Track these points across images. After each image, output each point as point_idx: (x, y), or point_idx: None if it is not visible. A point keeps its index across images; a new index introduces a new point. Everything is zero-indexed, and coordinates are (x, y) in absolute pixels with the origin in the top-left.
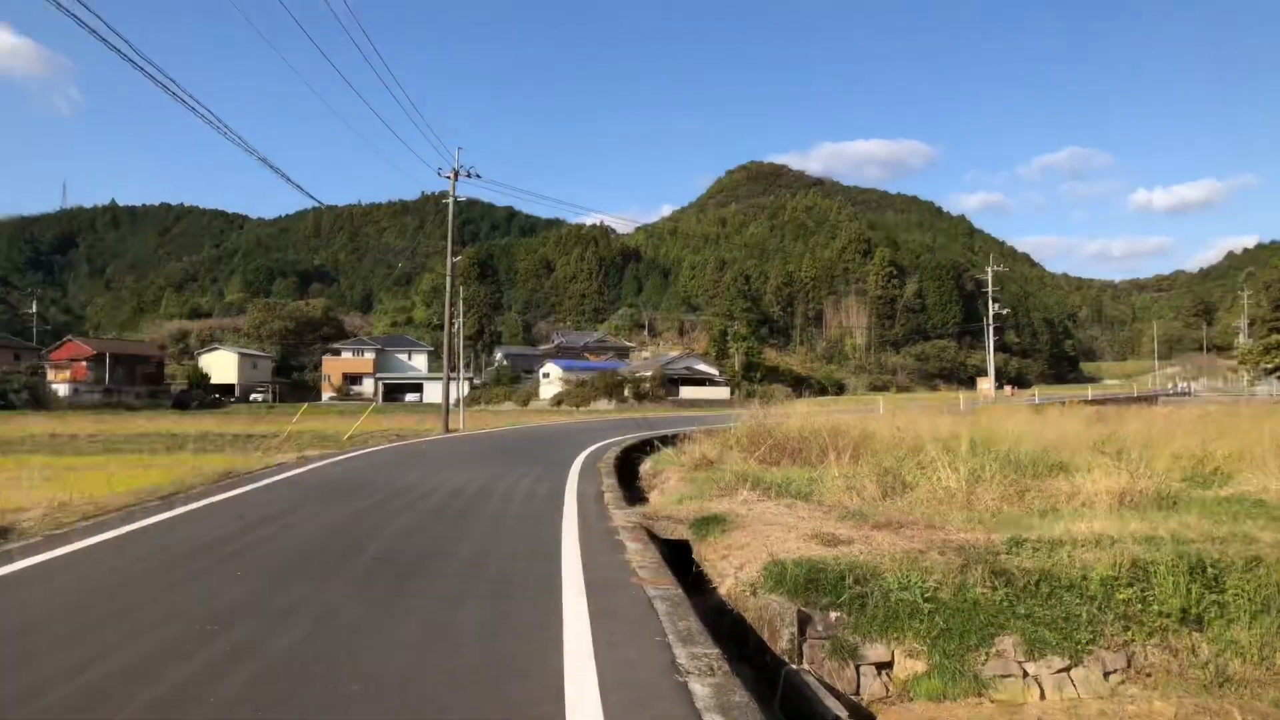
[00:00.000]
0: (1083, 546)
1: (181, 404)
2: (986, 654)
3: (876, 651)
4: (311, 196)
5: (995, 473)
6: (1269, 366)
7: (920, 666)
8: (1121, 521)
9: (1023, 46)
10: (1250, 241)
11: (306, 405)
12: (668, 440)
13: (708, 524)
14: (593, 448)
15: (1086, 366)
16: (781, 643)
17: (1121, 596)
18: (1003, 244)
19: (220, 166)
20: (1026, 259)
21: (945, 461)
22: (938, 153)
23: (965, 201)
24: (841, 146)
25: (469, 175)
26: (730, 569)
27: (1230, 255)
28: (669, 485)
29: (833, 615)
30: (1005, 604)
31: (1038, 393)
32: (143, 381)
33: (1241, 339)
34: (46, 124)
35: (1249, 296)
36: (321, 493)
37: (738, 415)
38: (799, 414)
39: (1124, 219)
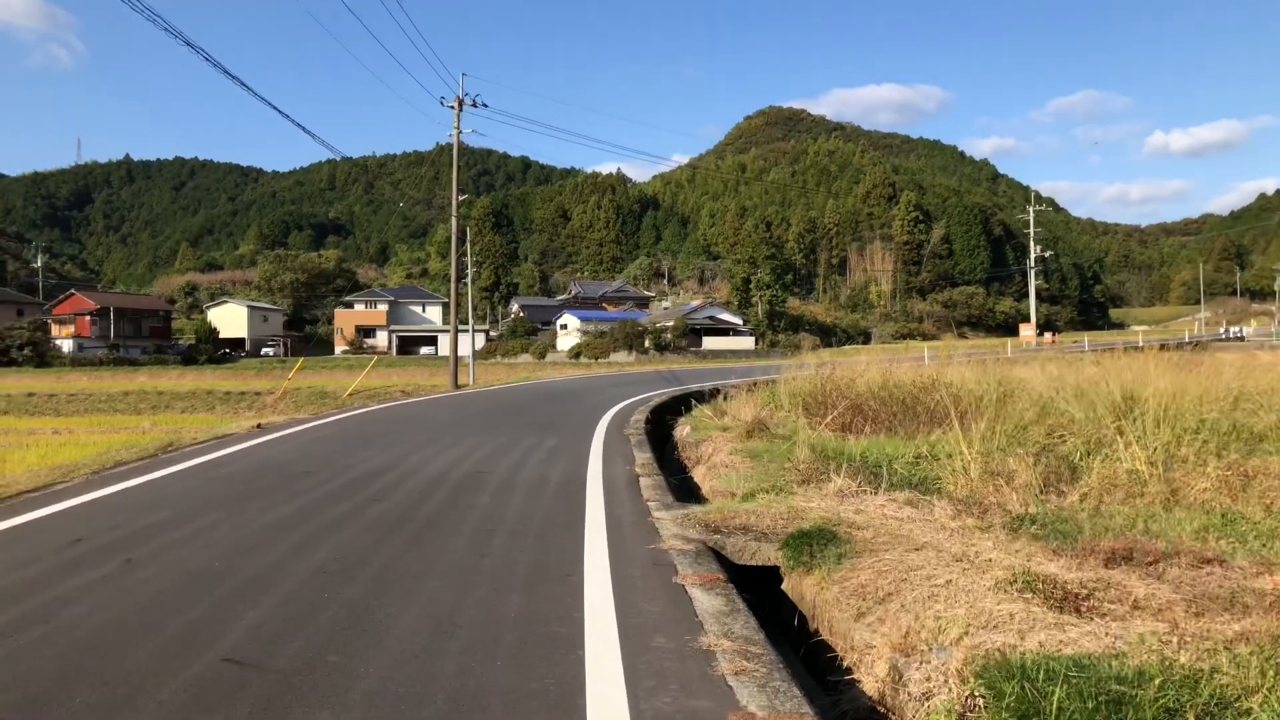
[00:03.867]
0: None
1: (189, 359)
2: None
3: None
4: (328, 145)
5: (1198, 449)
6: None
7: None
8: None
9: None
10: (1271, 184)
11: (302, 360)
12: (701, 397)
13: (808, 542)
14: (616, 408)
15: (1115, 313)
16: None
17: None
18: (1027, 188)
19: (234, 121)
20: (1051, 203)
21: (1131, 433)
22: (951, 96)
23: (979, 146)
24: (852, 93)
25: (475, 104)
26: (881, 649)
27: (1262, 197)
28: (719, 460)
29: None
30: None
31: (1087, 339)
32: (150, 336)
33: None
34: (57, 79)
35: None
36: (246, 487)
37: (776, 367)
38: (864, 365)
39: (1141, 163)
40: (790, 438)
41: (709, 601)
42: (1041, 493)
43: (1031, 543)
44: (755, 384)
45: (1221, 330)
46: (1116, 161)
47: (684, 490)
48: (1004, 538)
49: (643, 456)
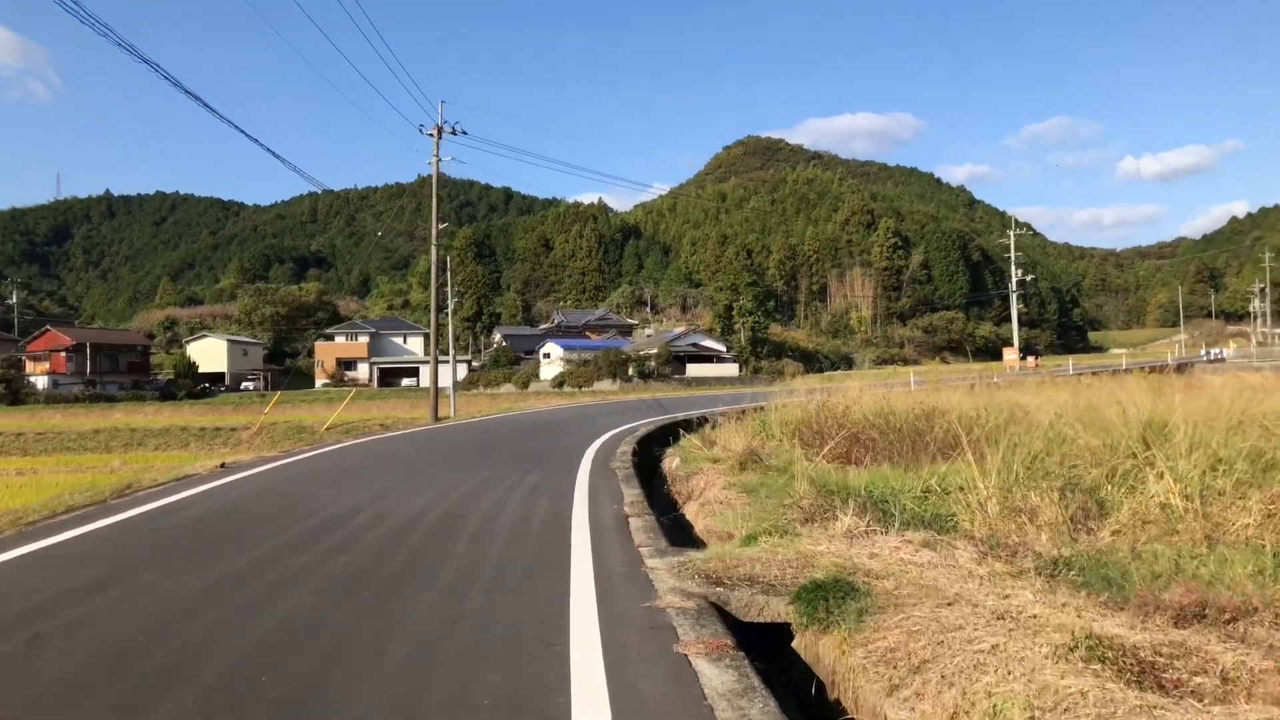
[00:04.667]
0: None
1: (167, 394)
2: None
3: None
4: (309, 178)
5: (1235, 480)
6: None
7: None
8: None
9: (1007, 14)
10: (1240, 208)
11: (279, 394)
12: (688, 426)
13: (823, 596)
14: (601, 439)
15: (1094, 336)
16: None
17: None
18: (1003, 214)
19: (215, 155)
20: (1028, 228)
21: (1162, 462)
22: (925, 124)
23: (954, 173)
24: (828, 122)
25: (454, 132)
26: None
27: (1233, 220)
28: (713, 496)
29: None
30: None
31: (1071, 363)
32: (127, 372)
33: (1256, 304)
34: (34, 115)
35: (1255, 263)
36: (196, 536)
37: (761, 394)
38: (856, 391)
39: (1113, 188)
40: (786, 469)
41: (718, 678)
42: (1069, 531)
43: (1076, 593)
44: (743, 412)
45: (1202, 352)
46: (1089, 186)
47: (676, 530)
48: (1041, 586)
49: (631, 493)
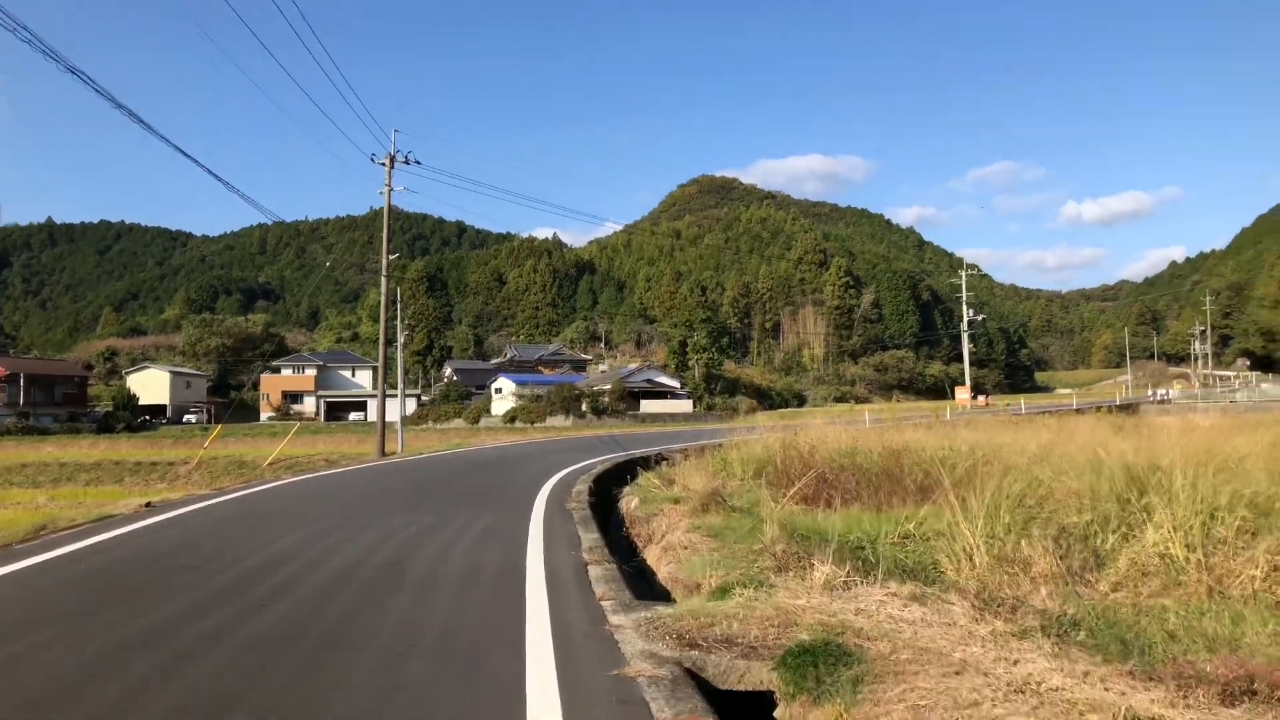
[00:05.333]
0: None
1: (105, 427)
2: None
3: None
4: (260, 207)
5: (1235, 529)
6: None
7: None
8: None
9: (954, 62)
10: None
11: (220, 428)
12: (646, 464)
13: (812, 661)
14: (556, 477)
15: (1040, 376)
16: None
17: None
18: (951, 255)
19: (163, 184)
20: (976, 269)
21: (1161, 509)
22: (875, 166)
23: (902, 215)
24: (779, 163)
25: (407, 161)
26: None
27: (1173, 264)
28: (676, 540)
29: None
30: None
31: (1023, 402)
32: (63, 403)
33: (1197, 346)
34: None
35: (1194, 305)
36: (106, 588)
37: (718, 430)
38: (819, 429)
39: (1056, 231)
40: (750, 510)
41: None
42: (1066, 583)
43: (1091, 657)
44: (702, 449)
45: (1149, 393)
46: (1033, 229)
47: (639, 579)
48: (1051, 649)
49: (589, 538)
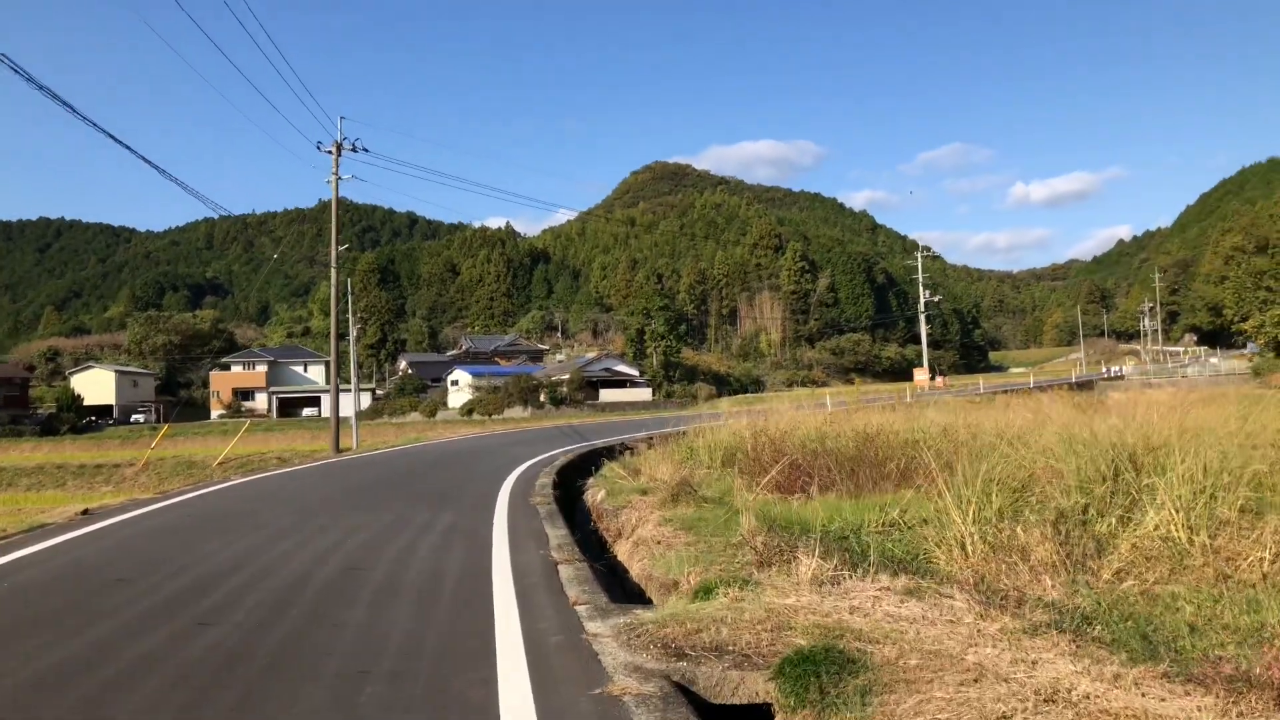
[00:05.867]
0: None
1: (49, 429)
2: None
3: None
4: (206, 201)
5: (1240, 508)
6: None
7: None
8: None
9: (902, 45)
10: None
11: (168, 427)
12: (610, 454)
13: (814, 670)
14: (518, 470)
15: (994, 355)
16: None
17: None
18: (905, 238)
19: (105, 179)
20: (929, 250)
21: (1163, 489)
22: (825, 151)
23: (854, 199)
24: (731, 149)
25: (354, 149)
26: None
27: (1120, 243)
28: (648, 534)
29: None
30: None
31: (981, 382)
32: (4, 406)
33: (1146, 323)
34: None
35: (1143, 283)
36: (26, 609)
37: (678, 418)
38: (789, 414)
39: (1005, 213)
40: (723, 500)
41: None
42: (1068, 571)
43: (1115, 655)
44: (666, 437)
45: (1103, 370)
46: (982, 211)
47: (612, 579)
48: (1068, 647)
49: (557, 534)
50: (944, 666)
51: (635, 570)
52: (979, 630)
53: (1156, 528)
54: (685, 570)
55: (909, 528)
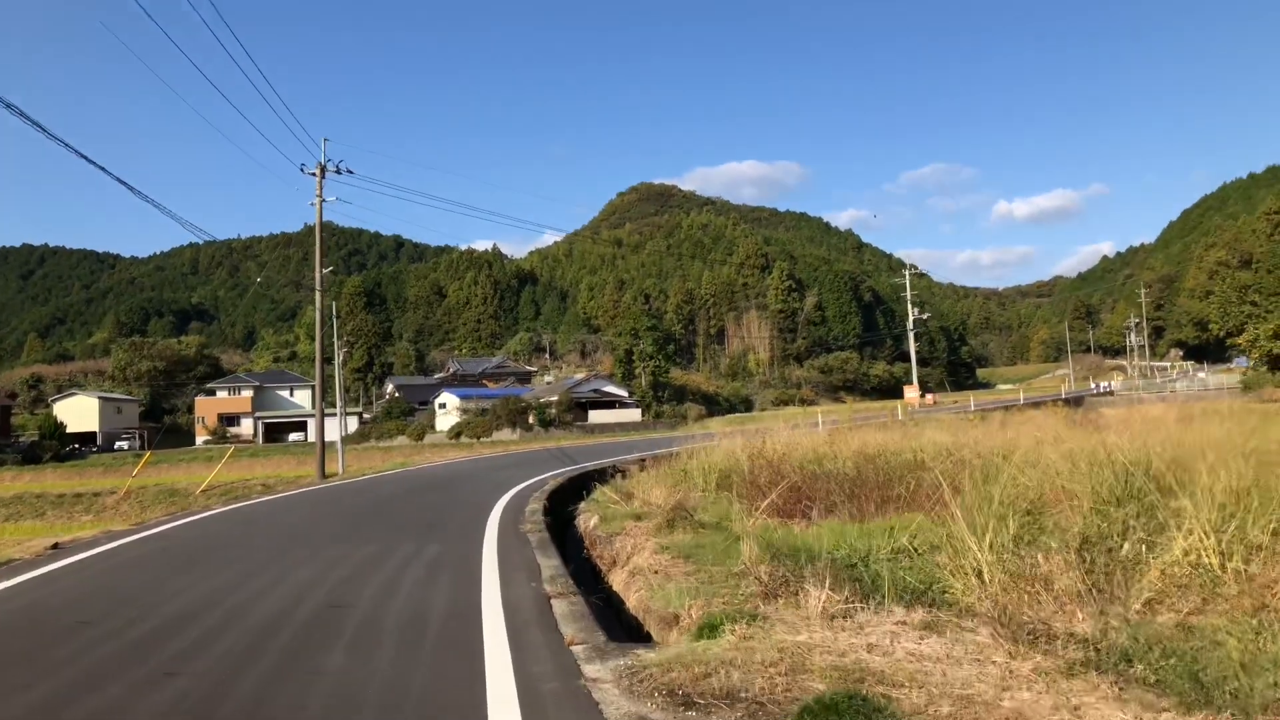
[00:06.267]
0: None
1: (31, 457)
2: None
3: None
4: (191, 226)
5: (1272, 530)
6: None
7: None
8: None
9: (882, 65)
10: (1107, 247)
11: (150, 454)
12: (601, 477)
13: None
14: (507, 495)
15: (982, 373)
16: None
17: None
18: (890, 256)
19: (88, 205)
20: (915, 269)
21: (1193, 513)
22: (810, 171)
23: (839, 218)
24: (715, 170)
25: (339, 170)
26: None
27: (1105, 259)
28: (644, 563)
29: None
30: None
31: (973, 399)
32: None
33: (1133, 338)
34: None
35: (1128, 299)
36: None
37: (669, 439)
38: (783, 432)
39: (989, 230)
40: (720, 526)
41: None
42: (1095, 601)
43: (1164, 699)
44: (658, 459)
45: (1092, 386)
46: (966, 229)
47: (607, 611)
48: (1111, 690)
49: (549, 565)
50: (980, 715)
51: (632, 602)
52: (1011, 671)
53: (1186, 553)
54: (686, 603)
55: (919, 554)
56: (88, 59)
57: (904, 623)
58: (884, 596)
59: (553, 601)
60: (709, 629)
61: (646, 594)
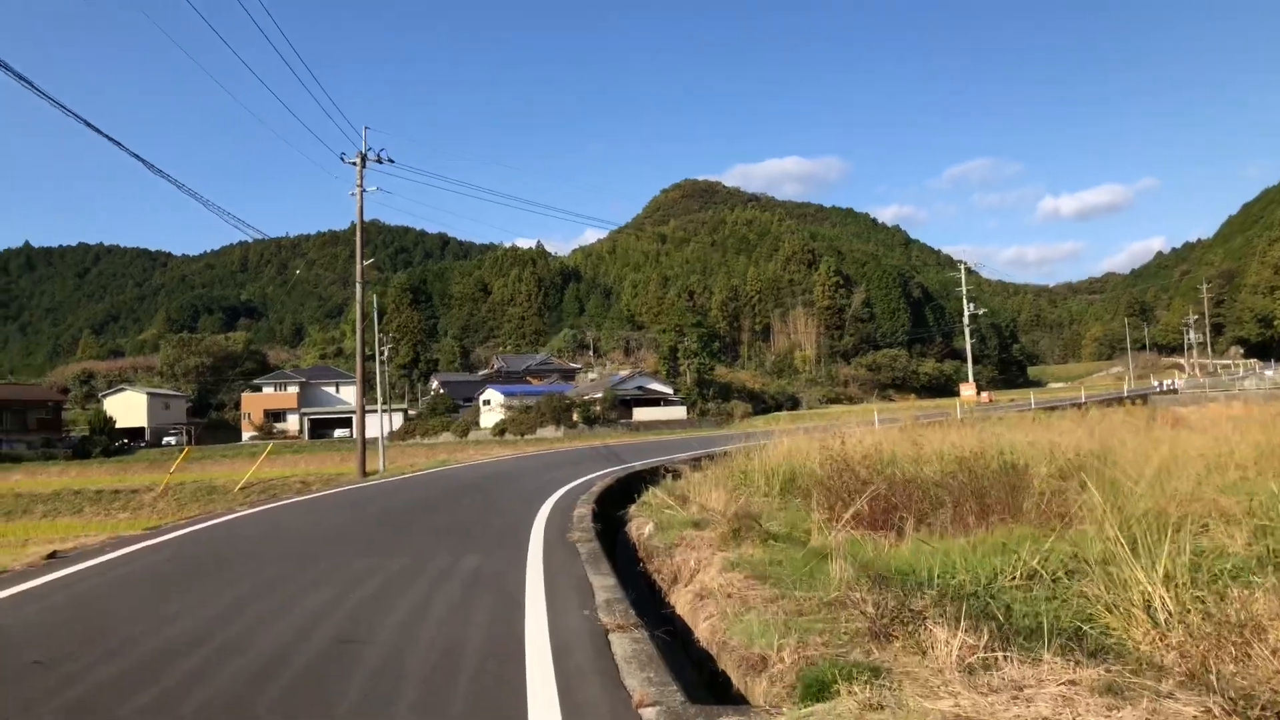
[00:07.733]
0: None
1: (81, 452)
2: None
3: None
4: (242, 225)
5: None
6: None
7: None
8: None
9: (925, 58)
10: (1158, 243)
11: (188, 450)
12: (651, 477)
13: None
14: (553, 498)
15: (1033, 370)
16: None
17: None
18: (938, 252)
19: (141, 204)
20: (965, 265)
21: None
22: (851, 166)
23: (882, 214)
24: (756, 166)
25: (380, 159)
26: None
27: (1159, 255)
28: (711, 582)
29: None
30: None
31: (1032, 397)
32: (37, 429)
33: (1191, 335)
34: None
35: (1184, 295)
36: None
37: (719, 437)
38: (857, 432)
39: (1035, 226)
40: (793, 536)
41: None
42: None
43: None
44: (711, 457)
45: (1155, 384)
46: (1012, 225)
47: (672, 642)
48: None
49: (604, 584)
50: None
51: (703, 632)
52: None
53: None
54: (775, 641)
55: (1055, 580)
56: (141, 56)
57: (1074, 682)
58: (1034, 641)
59: (611, 637)
60: (816, 687)
61: (721, 623)
